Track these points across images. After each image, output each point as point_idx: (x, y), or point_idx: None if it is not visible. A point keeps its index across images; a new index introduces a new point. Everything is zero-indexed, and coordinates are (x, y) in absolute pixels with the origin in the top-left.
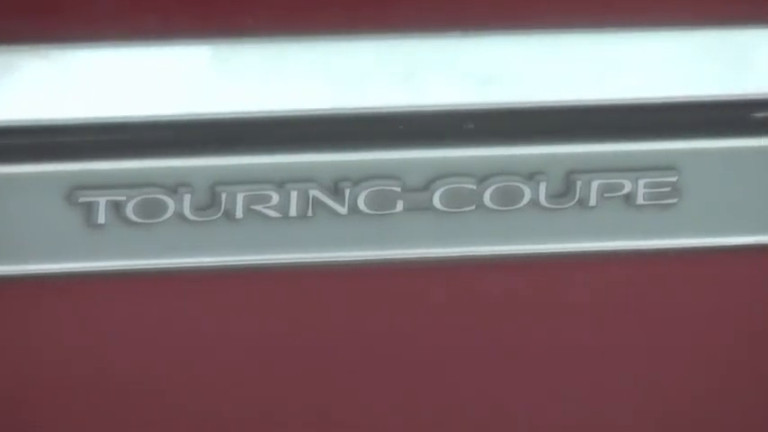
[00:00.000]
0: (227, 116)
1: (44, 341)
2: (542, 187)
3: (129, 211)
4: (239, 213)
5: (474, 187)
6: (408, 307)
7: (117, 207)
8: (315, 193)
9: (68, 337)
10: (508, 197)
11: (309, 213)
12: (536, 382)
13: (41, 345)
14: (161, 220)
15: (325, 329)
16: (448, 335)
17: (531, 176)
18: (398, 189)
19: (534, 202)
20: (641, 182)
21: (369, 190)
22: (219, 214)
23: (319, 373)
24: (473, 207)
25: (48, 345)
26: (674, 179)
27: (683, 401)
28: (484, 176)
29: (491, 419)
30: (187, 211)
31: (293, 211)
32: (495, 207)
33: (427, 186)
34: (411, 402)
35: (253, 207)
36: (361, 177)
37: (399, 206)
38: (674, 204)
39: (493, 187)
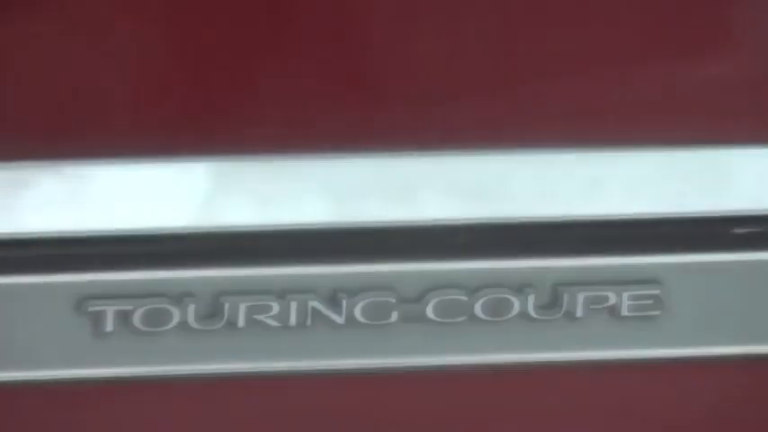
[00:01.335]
0: (230, 230)
1: None
2: (531, 299)
3: (136, 320)
4: (241, 323)
5: (465, 299)
6: (402, 415)
7: (124, 316)
8: (314, 303)
9: None
10: (498, 308)
11: (308, 323)
12: None
13: None
14: (166, 328)
15: None
16: None
17: (520, 289)
18: (393, 300)
19: (523, 314)
20: (625, 294)
21: (365, 301)
22: (222, 323)
23: None
24: (464, 318)
25: None
26: (656, 292)
27: None
28: (475, 288)
29: None
30: (191, 320)
31: (293, 321)
32: (486, 318)
33: (421, 298)
34: None
35: (254, 317)
36: (357, 289)
37: (394, 316)
38: (657, 316)
39: (483, 299)
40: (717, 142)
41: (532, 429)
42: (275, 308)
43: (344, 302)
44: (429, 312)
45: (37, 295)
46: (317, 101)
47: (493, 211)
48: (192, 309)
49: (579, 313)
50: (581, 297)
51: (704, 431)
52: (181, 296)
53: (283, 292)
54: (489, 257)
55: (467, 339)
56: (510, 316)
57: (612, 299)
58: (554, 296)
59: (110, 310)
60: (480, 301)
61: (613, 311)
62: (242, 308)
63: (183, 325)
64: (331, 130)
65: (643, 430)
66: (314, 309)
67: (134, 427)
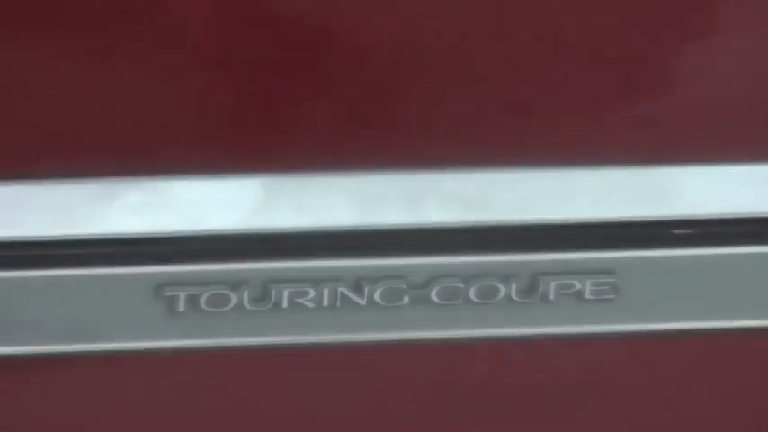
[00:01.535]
0: (276, 231)
1: (132, 409)
2: (513, 286)
3: (202, 303)
4: (285, 304)
5: (462, 285)
6: (410, 378)
7: (193, 299)
8: (342, 289)
9: (151, 405)
10: (488, 293)
11: (338, 305)
12: None
13: (131, 412)
14: (226, 309)
15: (349, 395)
16: (443, 400)
17: (505, 278)
18: (405, 287)
19: (507, 298)
20: (588, 282)
21: (382, 287)
22: (270, 305)
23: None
24: (461, 301)
25: (134, 413)
26: (612, 280)
27: None
28: (469, 277)
29: None
30: (246, 303)
31: (325, 303)
32: (478, 301)
33: (427, 285)
34: None
35: (295, 300)
36: (376, 278)
37: (406, 300)
38: (613, 299)
39: (476, 285)
40: (660, 162)
41: (514, 391)
42: (311, 293)
43: (366, 289)
44: (433, 296)
45: (124, 283)
46: (339, 129)
47: (483, 216)
48: (246, 294)
49: (552, 297)
50: (553, 284)
51: (652, 392)
52: (238, 283)
53: (318, 280)
54: (481, 253)
55: (463, 318)
56: (497, 299)
57: (578, 285)
58: (532, 284)
59: (182, 295)
60: (474, 288)
61: (579, 295)
62: (285, 293)
63: (239, 306)
64: (354, 151)
65: (602, 392)
66: (342, 293)
67: (200, 388)
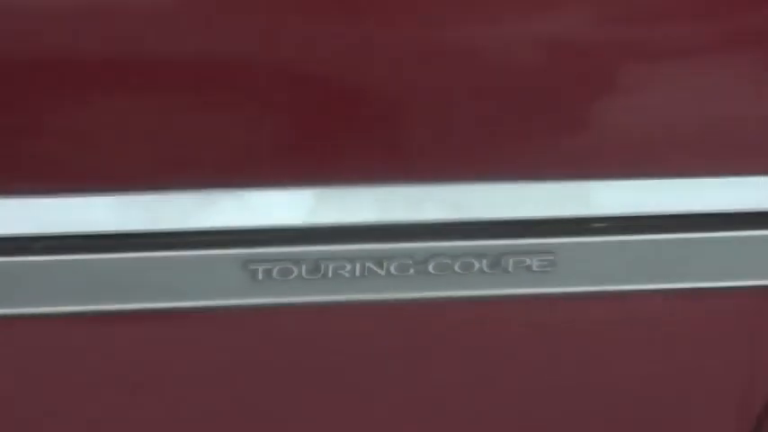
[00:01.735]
0: (323, 226)
1: (221, 356)
2: (484, 262)
3: (274, 274)
4: (330, 275)
5: (449, 261)
6: (415, 328)
7: (268, 271)
8: (368, 264)
9: (238, 353)
10: (467, 267)
11: (366, 274)
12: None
13: (220, 359)
14: (290, 278)
15: (370, 338)
16: (438, 348)
17: (479, 256)
18: (411, 262)
19: (481, 270)
20: (535, 259)
21: (397, 262)
22: (320, 275)
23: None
24: (449, 272)
25: (222, 360)
26: (552, 258)
27: None
28: (455, 256)
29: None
30: (304, 274)
31: (357, 274)
32: (461, 272)
33: (426, 261)
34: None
35: (338, 271)
36: (392, 256)
37: (412, 271)
38: (552, 270)
39: (459, 262)
40: (580, 177)
41: (485, 345)
42: (348, 266)
43: (385, 263)
44: (430, 269)
45: (222, 261)
46: (359, 152)
47: (466, 214)
48: (303, 267)
49: (510, 270)
50: (511, 260)
51: (588, 345)
52: (298, 260)
53: (352, 258)
54: (463, 239)
55: (451, 283)
56: (473, 271)
57: (528, 261)
58: (497, 260)
59: (260, 268)
60: (458, 263)
61: (529, 268)
62: (330, 266)
63: (299, 277)
64: (370, 169)
65: (550, 347)
66: (369, 267)
67: (273, 338)
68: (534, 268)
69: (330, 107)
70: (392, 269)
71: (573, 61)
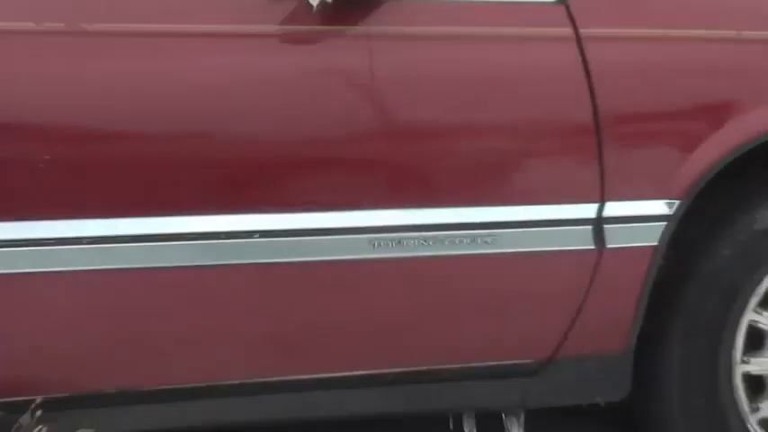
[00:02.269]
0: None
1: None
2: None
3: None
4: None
5: (415, 240)
6: (418, 277)
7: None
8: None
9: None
10: (439, 243)
11: (392, 246)
12: None
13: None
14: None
15: (400, 281)
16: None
17: (438, 238)
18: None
19: (452, 241)
20: (478, 235)
21: (403, 241)
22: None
23: None
24: (430, 243)
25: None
26: (494, 235)
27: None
28: (424, 239)
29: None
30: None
31: (392, 246)
32: (429, 247)
33: (400, 241)
34: None
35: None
36: (403, 236)
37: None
38: (491, 242)
39: (433, 240)
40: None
41: (425, 293)
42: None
43: (404, 242)
44: (405, 244)
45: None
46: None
47: (428, 218)
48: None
49: (467, 242)
50: (467, 237)
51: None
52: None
53: (400, 238)
54: (424, 231)
55: (429, 249)
56: (445, 244)
57: (478, 240)
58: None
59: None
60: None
61: (475, 241)
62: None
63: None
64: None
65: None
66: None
67: (384, 284)
68: (479, 242)
69: None
70: (408, 245)
71: None
